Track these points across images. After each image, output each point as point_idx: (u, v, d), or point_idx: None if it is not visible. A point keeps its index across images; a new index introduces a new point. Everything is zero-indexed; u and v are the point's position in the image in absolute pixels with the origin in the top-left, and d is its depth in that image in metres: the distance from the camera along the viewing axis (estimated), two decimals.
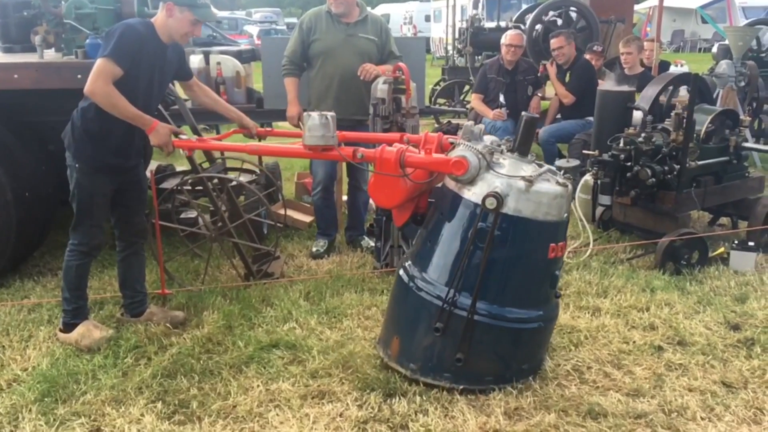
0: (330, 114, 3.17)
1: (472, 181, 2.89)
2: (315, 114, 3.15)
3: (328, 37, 4.55)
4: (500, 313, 2.94)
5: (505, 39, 6.86)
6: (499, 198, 2.79)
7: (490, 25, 11.64)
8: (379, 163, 3.07)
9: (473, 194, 2.89)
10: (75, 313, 3.44)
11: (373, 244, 4.67)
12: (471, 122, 3.19)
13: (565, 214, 2.96)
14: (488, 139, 3.12)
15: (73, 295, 3.43)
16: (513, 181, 2.83)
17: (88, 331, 3.40)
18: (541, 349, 3.19)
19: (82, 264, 3.42)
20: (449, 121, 7.74)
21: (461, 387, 2.98)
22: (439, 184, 3.17)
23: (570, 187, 2.96)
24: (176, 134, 3.41)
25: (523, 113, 3.05)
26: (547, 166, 2.98)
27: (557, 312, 3.24)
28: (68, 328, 3.44)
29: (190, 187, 4.51)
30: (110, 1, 4.55)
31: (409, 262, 3.15)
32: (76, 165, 3.30)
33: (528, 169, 2.90)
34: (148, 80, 3.33)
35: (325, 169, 4.71)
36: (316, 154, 3.26)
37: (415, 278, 3.06)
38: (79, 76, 4.00)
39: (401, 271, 3.17)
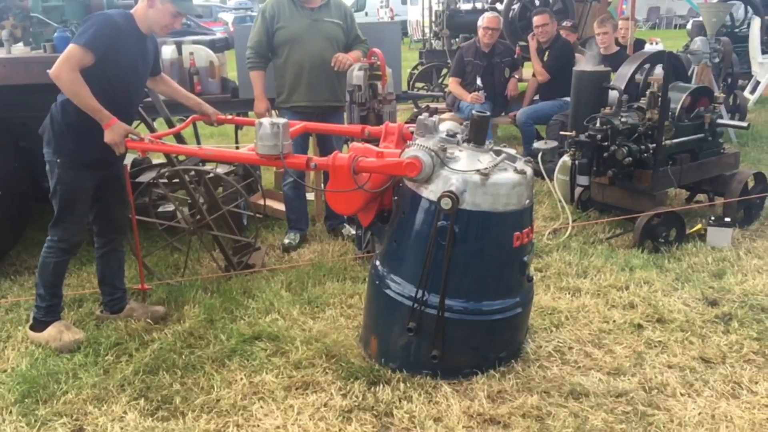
0: (282, 121, 3.07)
1: (428, 180, 2.87)
2: (266, 122, 3.06)
3: (293, 23, 4.46)
4: (474, 307, 2.95)
5: (482, 21, 6.84)
6: (454, 197, 2.77)
7: (466, 7, 11.58)
8: (333, 171, 3.04)
9: (431, 192, 2.87)
10: (48, 310, 3.39)
11: (354, 231, 4.66)
12: (425, 115, 3.13)
13: (527, 201, 2.94)
14: (444, 127, 3.08)
15: (48, 293, 3.38)
16: (468, 176, 2.81)
17: (59, 333, 3.35)
18: (518, 336, 3.20)
19: (61, 261, 3.37)
20: (427, 105, 7.72)
21: (442, 382, 3.00)
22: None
23: (530, 172, 2.93)
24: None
25: (474, 111, 3.04)
26: (504, 153, 2.95)
27: (532, 296, 3.26)
28: (39, 325, 3.39)
29: (166, 180, 4.46)
30: None
31: (378, 263, 3.15)
32: (58, 160, 3.24)
33: (484, 160, 2.88)
34: (129, 71, 3.28)
35: None
36: (269, 162, 3.20)
37: (384, 279, 3.06)
38: (48, 71, 3.92)
39: (372, 272, 3.17)
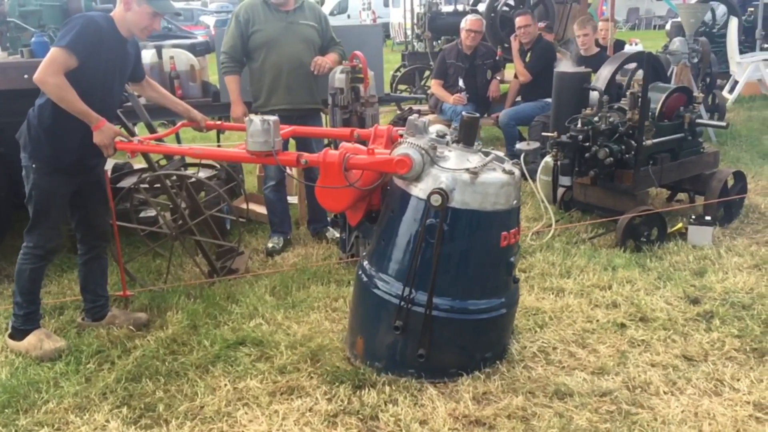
0: (272, 118, 3.09)
1: (417, 178, 2.88)
2: (257, 119, 3.07)
3: (268, 27, 4.43)
4: (461, 306, 2.95)
5: (465, 24, 6.86)
6: (444, 194, 2.79)
7: (447, 9, 11.62)
8: (323, 167, 3.04)
9: (420, 190, 2.88)
10: (26, 318, 3.34)
11: (338, 234, 4.64)
12: (415, 116, 3.15)
13: (515, 201, 2.96)
14: (434, 129, 3.10)
15: (25, 300, 3.33)
16: (458, 175, 2.83)
17: (39, 342, 3.30)
18: (504, 336, 3.21)
19: (37, 268, 3.32)
20: (410, 108, 7.74)
21: (428, 381, 3.00)
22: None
23: (517, 173, 2.96)
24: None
25: (463, 113, 3.06)
26: (493, 154, 2.98)
27: (517, 297, 3.27)
28: (18, 334, 3.34)
29: (148, 185, 4.42)
30: None
31: (366, 262, 3.15)
32: (33, 165, 3.21)
33: (474, 160, 2.90)
34: (108, 75, 3.24)
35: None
36: (260, 159, 3.20)
37: (372, 277, 3.06)
38: (25, 76, 3.87)
39: (359, 271, 3.16)
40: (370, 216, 3.22)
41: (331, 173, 3.02)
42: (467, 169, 2.83)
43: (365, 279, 3.11)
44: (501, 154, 3.07)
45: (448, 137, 3.07)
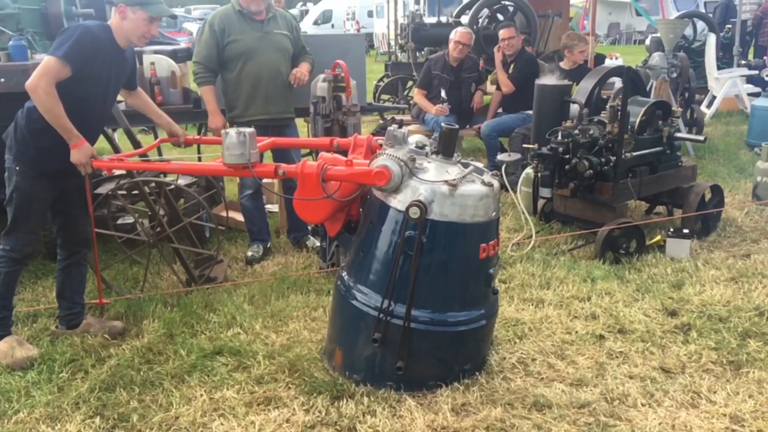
0: (248, 131, 3.07)
1: (396, 189, 2.88)
2: (232, 131, 3.05)
3: (245, 36, 4.40)
4: (440, 318, 2.94)
5: (454, 35, 6.87)
6: (422, 206, 2.78)
7: (431, 20, 11.69)
8: (301, 178, 3.03)
9: (399, 202, 2.87)
10: None
11: (318, 243, 4.62)
12: (395, 126, 3.14)
13: (494, 213, 2.96)
14: (413, 140, 3.09)
15: None
16: (437, 187, 2.82)
17: (11, 350, 3.23)
18: (483, 348, 3.21)
19: (12, 272, 3.27)
20: (393, 117, 7.74)
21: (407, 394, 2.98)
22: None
23: (497, 185, 2.96)
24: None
25: (443, 124, 3.07)
26: (473, 166, 2.98)
27: (497, 308, 3.27)
28: None
29: (125, 192, 4.37)
30: (35, 0, 4.37)
31: (345, 273, 3.13)
32: (17, 167, 3.17)
33: (453, 171, 2.89)
34: (102, 85, 3.23)
35: None
36: (237, 172, 3.18)
37: (350, 289, 3.04)
38: (2, 80, 3.83)
39: (338, 282, 3.15)
40: (349, 227, 3.21)
41: (309, 185, 3.01)
42: (446, 181, 2.82)
43: (344, 290, 3.09)
44: (481, 165, 3.07)
45: (427, 148, 3.06)
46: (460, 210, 2.85)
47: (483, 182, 2.90)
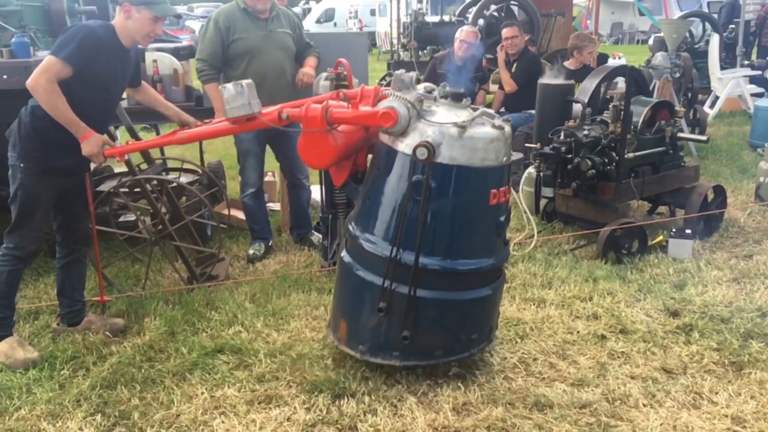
0: (246, 81, 3.02)
1: (403, 133, 2.78)
2: (229, 85, 3.00)
3: (250, 35, 4.38)
4: (450, 266, 2.87)
5: (460, 34, 6.85)
6: (431, 147, 2.69)
7: (433, 19, 11.68)
8: (305, 120, 2.96)
9: (406, 146, 2.77)
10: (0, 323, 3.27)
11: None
12: (402, 70, 3.04)
13: (504, 158, 2.86)
14: (422, 86, 3.00)
15: (0, 304, 3.27)
16: (445, 129, 2.73)
17: (12, 350, 3.22)
18: (490, 318, 3.14)
19: (15, 270, 3.26)
20: None
21: (412, 363, 2.96)
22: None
23: (507, 129, 2.86)
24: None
25: (448, 88, 2.98)
26: (482, 109, 2.87)
27: (503, 280, 3.20)
28: None
29: (127, 189, 4.37)
30: None
31: (352, 224, 3.06)
32: (21, 165, 3.16)
33: (462, 115, 2.80)
34: (105, 85, 3.22)
35: (257, 171, 4.59)
36: (242, 126, 3.12)
37: (357, 239, 2.97)
38: (4, 77, 3.83)
39: (343, 253, 3.10)
40: (356, 177, 3.15)
41: (313, 127, 2.94)
42: (455, 123, 2.72)
43: (348, 261, 3.03)
44: (492, 111, 2.94)
45: (435, 93, 2.97)
46: (470, 153, 2.74)
47: (493, 125, 2.80)
